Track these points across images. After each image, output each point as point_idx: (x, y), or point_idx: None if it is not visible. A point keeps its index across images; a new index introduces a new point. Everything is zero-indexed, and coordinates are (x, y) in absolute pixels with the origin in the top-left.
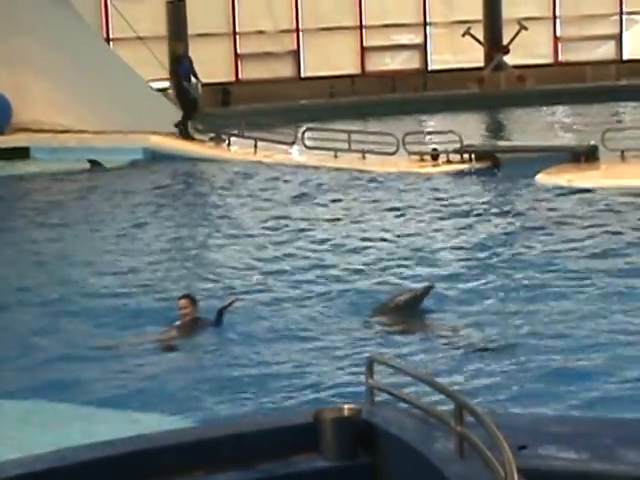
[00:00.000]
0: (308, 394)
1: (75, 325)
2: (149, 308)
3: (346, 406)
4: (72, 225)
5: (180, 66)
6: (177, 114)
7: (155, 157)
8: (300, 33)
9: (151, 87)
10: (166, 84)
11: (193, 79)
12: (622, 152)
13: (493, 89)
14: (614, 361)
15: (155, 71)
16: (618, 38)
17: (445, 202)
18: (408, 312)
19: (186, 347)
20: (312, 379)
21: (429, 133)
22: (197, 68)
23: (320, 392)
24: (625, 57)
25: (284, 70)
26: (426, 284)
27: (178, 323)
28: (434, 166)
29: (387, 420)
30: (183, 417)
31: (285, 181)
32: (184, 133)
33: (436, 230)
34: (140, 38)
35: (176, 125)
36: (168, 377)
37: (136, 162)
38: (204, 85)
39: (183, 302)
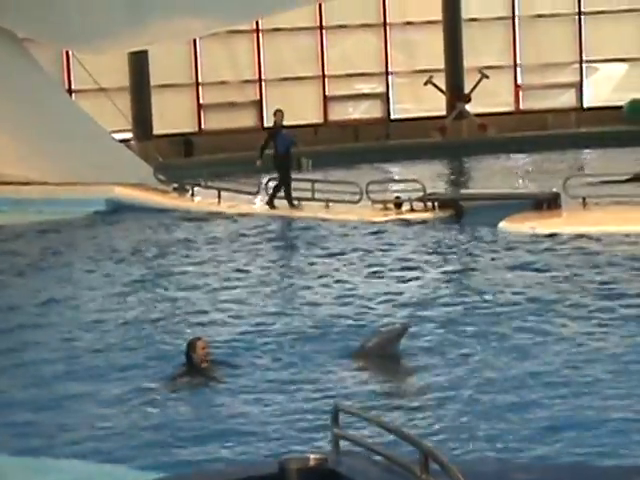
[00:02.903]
0: (274, 442)
1: (59, 377)
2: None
3: (311, 455)
4: (38, 276)
5: (278, 135)
6: (140, 165)
7: (118, 209)
8: (262, 83)
9: (114, 138)
10: (129, 135)
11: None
12: (584, 199)
13: (455, 137)
14: (595, 404)
15: (118, 122)
16: (579, 86)
17: (408, 250)
18: (383, 354)
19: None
20: (279, 426)
21: (392, 182)
22: (159, 119)
23: (287, 439)
24: (586, 105)
25: (247, 120)
26: (399, 326)
27: (202, 365)
28: (397, 214)
29: (353, 469)
30: (151, 468)
31: (249, 231)
32: (269, 202)
33: (401, 277)
34: (102, 89)
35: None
36: (140, 426)
37: (99, 213)
38: (166, 136)
39: (203, 343)
